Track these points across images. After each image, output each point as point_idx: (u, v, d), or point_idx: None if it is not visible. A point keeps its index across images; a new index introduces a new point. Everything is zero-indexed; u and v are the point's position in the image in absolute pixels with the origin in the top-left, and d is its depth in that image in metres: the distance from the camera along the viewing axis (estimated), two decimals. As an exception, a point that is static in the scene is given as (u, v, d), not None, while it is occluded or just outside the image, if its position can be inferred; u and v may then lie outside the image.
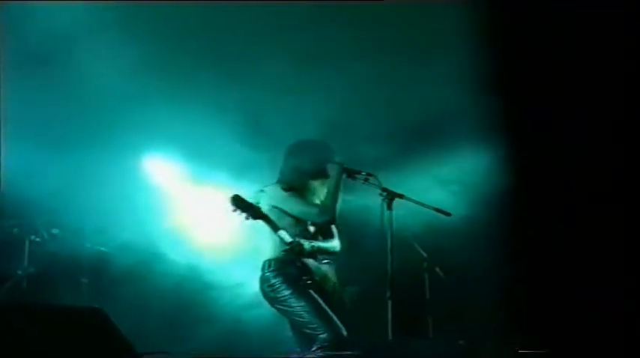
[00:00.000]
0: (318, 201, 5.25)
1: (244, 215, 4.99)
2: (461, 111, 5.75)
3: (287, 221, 5.17)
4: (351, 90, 5.88)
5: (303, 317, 4.93)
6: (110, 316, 3.85)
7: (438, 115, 5.93)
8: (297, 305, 4.97)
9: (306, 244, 5.14)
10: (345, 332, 4.95)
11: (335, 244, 5.40)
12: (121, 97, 5.73)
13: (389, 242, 4.92)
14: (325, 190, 5.27)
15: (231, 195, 5.00)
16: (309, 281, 5.08)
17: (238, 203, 4.98)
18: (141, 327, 5.98)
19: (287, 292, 5.02)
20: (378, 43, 5.77)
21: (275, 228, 5.04)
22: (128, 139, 5.99)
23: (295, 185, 5.23)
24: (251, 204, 5.02)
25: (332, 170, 5.28)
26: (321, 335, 4.86)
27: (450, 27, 5.43)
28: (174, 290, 6.51)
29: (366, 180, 5.15)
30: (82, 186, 5.86)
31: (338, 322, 4.96)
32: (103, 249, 6.39)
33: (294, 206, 5.16)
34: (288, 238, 5.03)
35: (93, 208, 6.07)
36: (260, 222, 5.06)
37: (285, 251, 5.06)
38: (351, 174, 5.21)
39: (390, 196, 5.03)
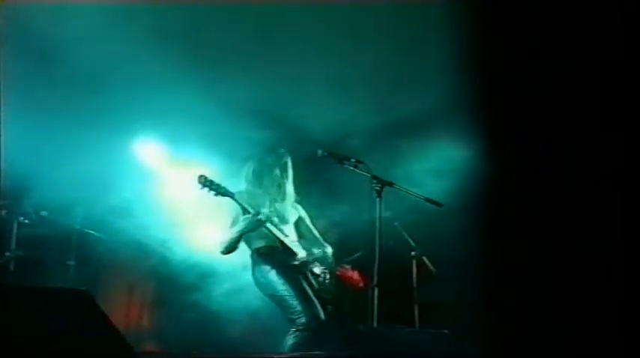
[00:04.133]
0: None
1: (212, 192, 5.30)
2: (450, 102, 5.80)
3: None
4: (339, 78, 6.03)
5: (286, 301, 5.28)
6: (96, 298, 3.93)
7: (428, 107, 6.08)
8: (282, 289, 5.32)
9: (263, 213, 5.40)
10: (322, 316, 5.30)
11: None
12: (110, 80, 5.85)
13: (377, 230, 5.13)
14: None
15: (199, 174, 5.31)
16: (295, 263, 5.43)
17: (204, 182, 5.28)
18: (126, 309, 6.58)
19: (274, 277, 5.37)
20: (369, 37, 5.90)
21: (243, 208, 5.34)
22: (117, 122, 6.11)
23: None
24: (218, 184, 5.30)
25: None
26: (299, 319, 5.20)
27: (438, 23, 5.58)
28: (159, 273, 6.76)
29: (355, 166, 5.39)
30: (72, 169, 5.93)
31: (318, 305, 5.31)
32: (91, 231, 6.56)
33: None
34: (251, 209, 5.35)
35: (82, 191, 6.22)
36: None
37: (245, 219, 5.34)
38: (341, 160, 5.46)
39: (380, 184, 5.25)
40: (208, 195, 5.35)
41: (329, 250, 5.72)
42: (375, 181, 5.27)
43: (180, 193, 6.49)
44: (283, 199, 5.66)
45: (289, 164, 5.71)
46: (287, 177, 5.69)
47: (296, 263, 5.45)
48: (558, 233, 5.45)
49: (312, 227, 5.83)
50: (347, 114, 6.18)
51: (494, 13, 5.53)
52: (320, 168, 5.82)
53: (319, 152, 5.53)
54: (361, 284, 5.89)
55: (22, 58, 5.64)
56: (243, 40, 5.95)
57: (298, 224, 5.77)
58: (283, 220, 5.60)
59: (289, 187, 5.71)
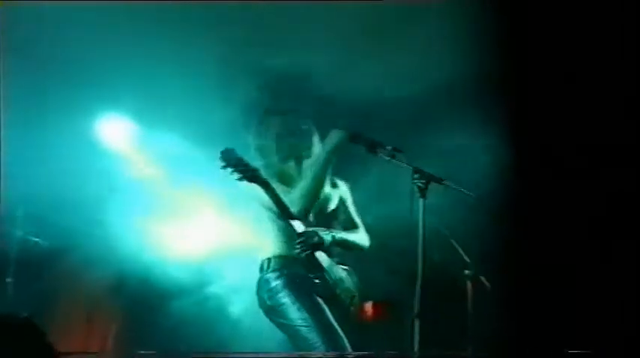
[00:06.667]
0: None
1: (237, 175, 4.56)
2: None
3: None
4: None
5: (301, 333, 4.58)
6: (41, 325, 3.75)
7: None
8: (297, 317, 4.58)
9: (325, 234, 4.67)
10: (349, 349, 4.62)
11: (362, 236, 4.97)
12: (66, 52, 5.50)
13: (420, 241, 4.30)
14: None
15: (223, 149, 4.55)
16: (317, 280, 4.65)
17: (230, 159, 4.56)
18: (86, 334, 6.15)
19: (287, 299, 4.69)
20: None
21: (281, 204, 4.58)
22: (73, 98, 5.61)
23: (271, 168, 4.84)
24: (247, 163, 4.58)
25: (330, 140, 4.73)
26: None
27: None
28: (131, 282, 6.22)
29: (392, 156, 4.53)
30: (13, 157, 5.50)
31: (343, 336, 4.60)
32: (37, 240, 5.99)
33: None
34: (300, 226, 4.59)
35: (30, 187, 5.63)
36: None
37: (297, 243, 4.59)
38: (373, 147, 4.60)
39: (425, 180, 4.39)
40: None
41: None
42: (417, 176, 4.38)
43: (153, 181, 6.03)
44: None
45: (315, 132, 4.93)
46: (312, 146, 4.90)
47: (318, 283, 4.66)
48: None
49: (352, 211, 5.01)
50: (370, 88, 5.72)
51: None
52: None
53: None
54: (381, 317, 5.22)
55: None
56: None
57: (338, 209, 4.96)
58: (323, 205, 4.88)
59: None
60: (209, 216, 5.80)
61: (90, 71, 5.57)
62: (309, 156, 4.86)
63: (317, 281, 4.63)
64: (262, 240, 4.83)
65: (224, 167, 4.50)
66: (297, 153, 4.87)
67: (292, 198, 4.65)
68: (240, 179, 4.51)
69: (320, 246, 4.62)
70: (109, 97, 5.83)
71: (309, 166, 4.75)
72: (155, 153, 6.10)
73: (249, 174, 4.52)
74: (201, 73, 5.60)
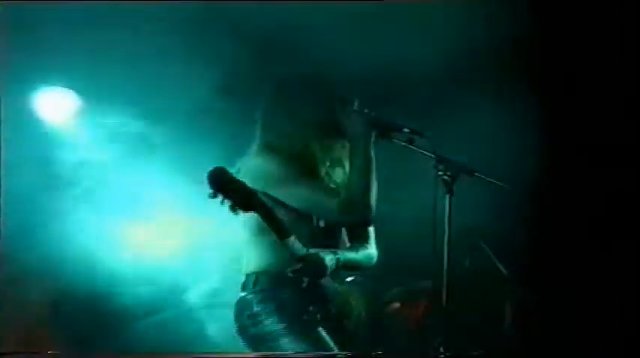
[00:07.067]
0: (332, 182, 4.01)
1: (229, 204, 3.68)
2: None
3: (283, 213, 3.89)
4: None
5: None
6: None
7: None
8: (291, 348, 3.88)
9: (328, 258, 3.84)
10: None
11: (370, 252, 4.16)
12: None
13: (446, 247, 3.61)
14: (345, 164, 4.06)
15: (212, 168, 3.66)
16: (318, 315, 3.92)
17: (221, 183, 3.65)
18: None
19: (277, 326, 3.90)
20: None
21: (279, 228, 3.74)
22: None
23: (293, 151, 3.99)
24: (244, 186, 3.68)
25: (354, 127, 3.94)
26: None
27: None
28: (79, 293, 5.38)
29: (410, 141, 3.80)
30: None
31: None
32: None
33: (294, 191, 3.93)
34: (301, 249, 3.75)
35: None
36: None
37: (294, 271, 3.78)
38: (387, 131, 3.88)
39: (452, 172, 3.69)
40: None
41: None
42: (441, 166, 3.68)
43: (108, 170, 5.32)
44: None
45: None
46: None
47: (316, 313, 3.92)
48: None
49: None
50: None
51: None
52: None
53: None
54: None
55: None
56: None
57: None
58: None
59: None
60: (180, 213, 5.12)
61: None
62: (345, 133, 4.01)
63: (319, 315, 3.91)
64: (245, 248, 4.04)
65: (213, 195, 3.64)
66: (333, 127, 4.01)
67: (345, 206, 3.85)
68: (233, 209, 3.73)
69: (322, 273, 3.87)
70: (54, 70, 5.16)
71: (353, 160, 3.95)
72: (112, 134, 5.34)
73: (246, 201, 3.69)
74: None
